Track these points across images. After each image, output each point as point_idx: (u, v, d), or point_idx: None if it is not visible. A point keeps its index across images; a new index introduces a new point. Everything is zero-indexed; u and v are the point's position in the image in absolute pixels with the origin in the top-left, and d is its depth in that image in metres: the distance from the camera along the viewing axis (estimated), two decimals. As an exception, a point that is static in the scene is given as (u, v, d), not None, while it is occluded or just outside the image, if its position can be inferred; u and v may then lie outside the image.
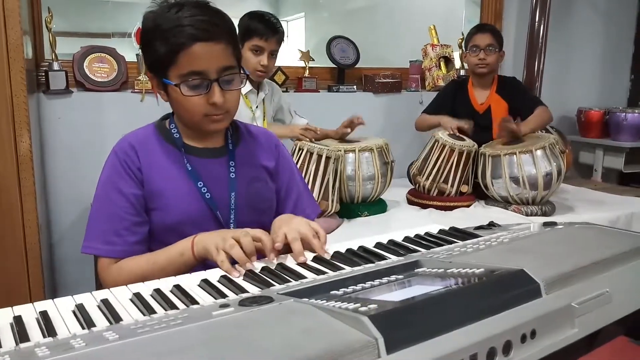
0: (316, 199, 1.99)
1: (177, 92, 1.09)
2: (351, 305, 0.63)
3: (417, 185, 2.38)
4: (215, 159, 1.19)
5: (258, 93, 2.22)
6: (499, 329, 0.66)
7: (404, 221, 2.15)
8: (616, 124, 3.37)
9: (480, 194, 2.37)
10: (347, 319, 0.60)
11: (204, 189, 1.15)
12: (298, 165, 1.98)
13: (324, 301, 0.67)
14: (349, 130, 2.29)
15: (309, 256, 1.02)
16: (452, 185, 2.29)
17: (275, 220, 1.17)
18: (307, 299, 0.69)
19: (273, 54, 2.11)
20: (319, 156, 1.99)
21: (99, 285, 1.15)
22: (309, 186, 1.97)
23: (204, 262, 1.04)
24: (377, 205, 2.28)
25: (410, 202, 2.41)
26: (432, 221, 2.06)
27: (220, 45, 1.08)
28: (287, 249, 1.07)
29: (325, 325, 0.59)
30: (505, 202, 2.28)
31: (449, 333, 0.62)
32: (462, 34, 3.13)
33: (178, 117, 1.19)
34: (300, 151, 2.01)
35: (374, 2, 4.29)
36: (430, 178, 2.31)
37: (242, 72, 1.14)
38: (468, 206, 2.31)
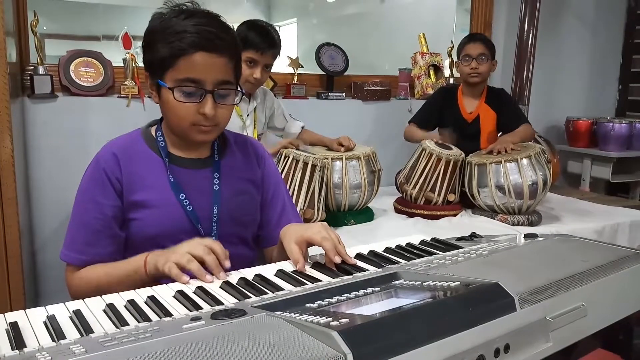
0: (302, 207, 1.98)
1: (169, 96, 1.08)
2: (322, 320, 0.62)
3: (404, 193, 2.38)
4: (199, 170, 1.18)
5: (249, 102, 2.21)
6: (472, 344, 0.66)
7: (390, 230, 2.14)
8: (604, 133, 3.39)
9: (467, 203, 2.37)
10: (317, 334, 0.59)
11: (186, 202, 1.14)
12: (283, 174, 1.97)
13: (297, 315, 0.67)
14: (342, 149, 2.26)
15: (285, 266, 1.02)
16: (439, 194, 2.29)
17: (291, 225, 1.13)
18: (280, 312, 0.69)
19: (267, 67, 2.09)
20: (305, 164, 1.98)
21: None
22: (295, 194, 1.96)
23: (157, 281, 1.02)
24: (363, 214, 2.27)
25: (397, 211, 2.40)
26: (418, 230, 2.06)
27: (221, 58, 1.08)
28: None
29: (294, 340, 0.58)
30: (491, 212, 2.28)
31: (420, 348, 0.61)
32: (452, 43, 3.14)
33: (166, 121, 1.17)
34: (286, 159, 2.00)
35: (364, 9, 4.31)
36: (417, 187, 2.31)
37: (239, 89, 1.14)
38: (455, 215, 2.31)
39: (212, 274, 0.95)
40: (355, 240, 1.95)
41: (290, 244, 1.05)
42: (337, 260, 0.99)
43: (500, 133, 2.57)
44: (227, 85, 1.11)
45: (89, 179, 1.13)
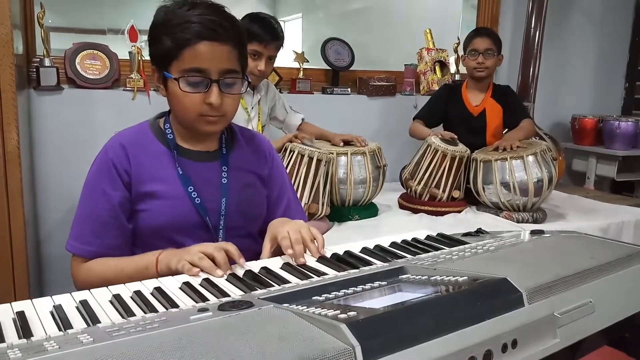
0: (306, 202, 1.98)
1: (175, 87, 1.08)
2: (330, 312, 0.62)
3: (409, 189, 2.37)
4: (207, 163, 1.18)
5: (254, 94, 2.21)
6: (479, 338, 0.66)
7: (394, 226, 2.14)
8: (609, 132, 3.38)
9: (471, 199, 2.36)
10: (325, 326, 0.59)
11: (194, 194, 1.14)
12: (288, 168, 1.97)
13: (304, 307, 0.67)
14: (341, 145, 2.26)
15: (291, 259, 1.02)
16: (443, 191, 2.29)
17: (274, 221, 1.17)
18: (287, 305, 0.69)
19: (271, 59, 2.09)
20: (310, 158, 1.98)
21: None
22: (300, 189, 1.96)
23: None
24: (368, 209, 2.27)
25: (401, 207, 2.40)
26: (423, 226, 2.06)
27: (225, 47, 1.08)
28: (277, 252, 1.08)
29: (302, 331, 0.58)
30: (496, 208, 2.28)
31: (428, 342, 0.61)
32: (458, 39, 3.13)
33: (174, 114, 1.17)
34: (291, 153, 2.00)
35: (370, 4, 4.29)
36: (422, 183, 2.30)
37: (245, 78, 1.14)
38: (459, 212, 2.30)
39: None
40: (360, 236, 1.95)
41: (265, 240, 1.11)
42: (289, 252, 1.02)
43: (506, 130, 2.56)
44: (233, 74, 1.11)
45: (96, 170, 1.13)
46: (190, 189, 1.13)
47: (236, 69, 1.12)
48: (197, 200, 1.14)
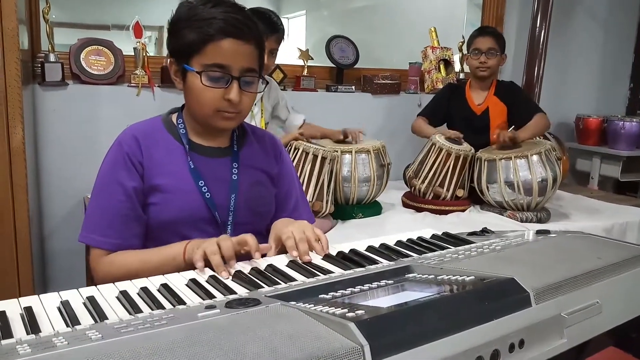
0: (311, 200, 1.98)
1: (195, 81, 1.09)
2: (338, 311, 0.62)
3: (413, 188, 2.37)
4: (219, 159, 1.19)
5: (256, 91, 2.20)
6: (487, 338, 0.66)
7: (398, 224, 2.14)
8: (614, 132, 3.37)
9: (475, 198, 2.36)
10: (333, 325, 0.59)
11: (205, 189, 1.14)
12: (293, 165, 1.97)
13: (312, 305, 0.66)
14: (341, 137, 2.27)
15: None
16: (447, 190, 2.29)
17: (278, 221, 1.18)
18: (294, 302, 0.69)
19: (272, 53, 2.09)
20: (315, 156, 1.98)
21: (90, 279, 1.14)
22: (304, 186, 1.96)
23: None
24: (372, 208, 2.27)
25: (405, 205, 2.40)
26: (427, 225, 2.05)
27: (248, 46, 1.10)
28: (281, 252, 1.08)
29: (310, 330, 0.58)
30: (500, 208, 2.27)
31: (436, 341, 0.61)
32: (463, 37, 3.12)
33: (189, 108, 1.18)
34: (296, 151, 2.00)
35: (375, 2, 4.28)
36: (426, 181, 2.30)
37: (262, 78, 1.16)
38: (463, 211, 2.31)
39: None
40: (363, 234, 1.95)
41: (269, 240, 1.11)
42: (294, 254, 1.01)
43: (513, 127, 2.55)
44: (253, 73, 1.12)
45: (111, 162, 1.13)
46: (201, 183, 1.14)
47: (255, 68, 1.13)
48: (208, 195, 1.14)
